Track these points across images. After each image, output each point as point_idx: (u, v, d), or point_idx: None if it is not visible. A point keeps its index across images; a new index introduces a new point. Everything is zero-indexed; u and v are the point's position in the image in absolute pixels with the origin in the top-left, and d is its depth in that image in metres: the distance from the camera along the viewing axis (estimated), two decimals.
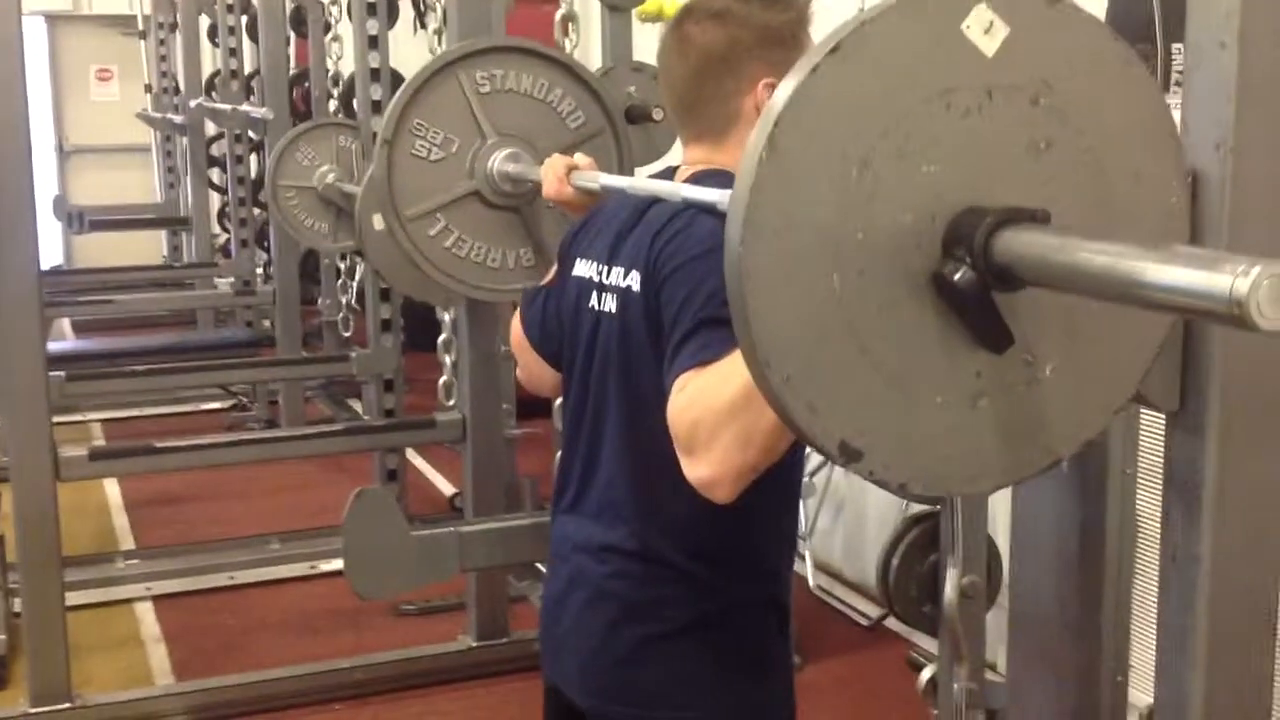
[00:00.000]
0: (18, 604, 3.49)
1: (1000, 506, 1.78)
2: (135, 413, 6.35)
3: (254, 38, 6.33)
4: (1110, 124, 1.09)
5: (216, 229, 8.04)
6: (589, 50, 3.72)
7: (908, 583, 1.89)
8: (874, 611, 4.00)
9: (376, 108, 4.25)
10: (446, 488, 5.33)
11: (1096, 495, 1.41)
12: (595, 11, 3.81)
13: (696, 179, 1.68)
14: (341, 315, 5.62)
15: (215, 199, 8.02)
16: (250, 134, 6.71)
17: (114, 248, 9.14)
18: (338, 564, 3.25)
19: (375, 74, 4.37)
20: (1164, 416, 1.25)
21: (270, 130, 5.56)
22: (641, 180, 1.84)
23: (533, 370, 1.97)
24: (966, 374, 1.07)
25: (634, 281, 1.68)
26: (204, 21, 7.57)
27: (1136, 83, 1.10)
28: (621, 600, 1.75)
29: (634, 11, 3.72)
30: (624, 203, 1.82)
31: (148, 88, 9.11)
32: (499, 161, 2.75)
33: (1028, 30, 1.04)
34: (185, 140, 7.84)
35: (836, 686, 3.65)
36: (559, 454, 1.91)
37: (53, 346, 4.99)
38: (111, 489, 5.33)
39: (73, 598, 3.61)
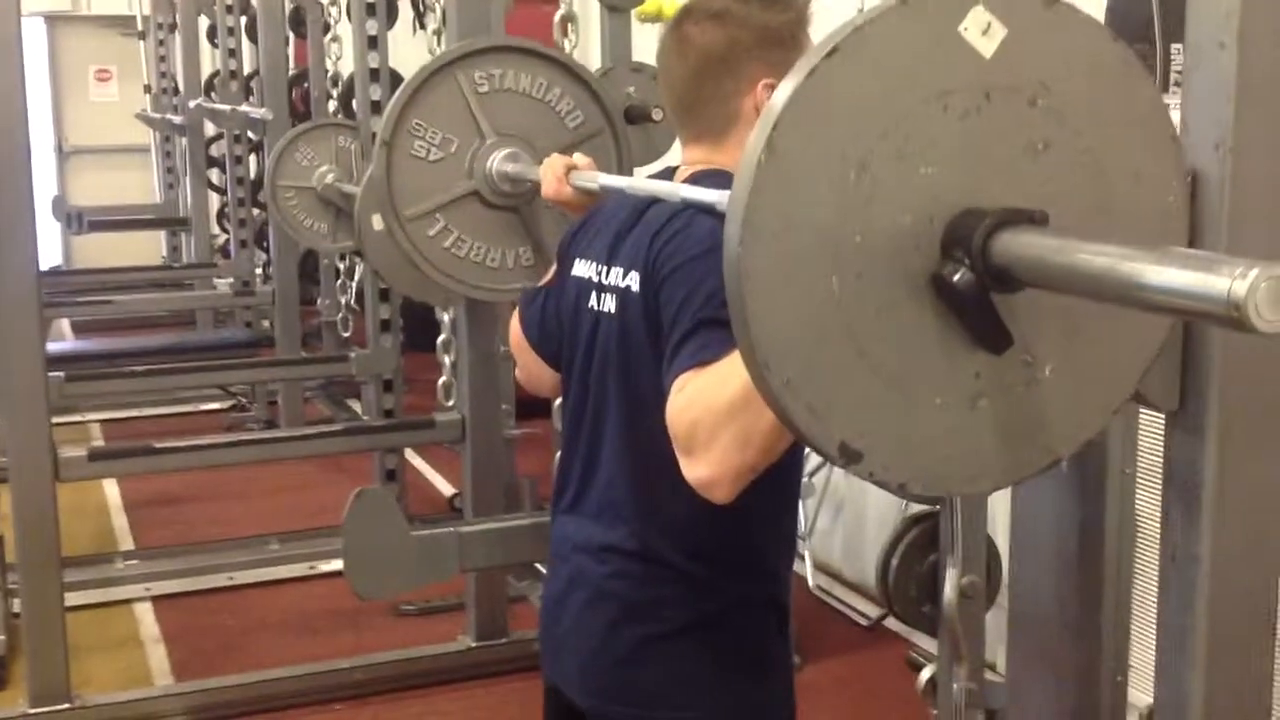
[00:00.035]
0: (17, 604, 3.49)
1: (1000, 506, 1.78)
2: (134, 413, 6.35)
3: (253, 38, 6.33)
4: (1108, 125, 1.09)
5: (216, 229, 8.04)
6: (588, 51, 3.72)
7: (907, 583, 1.89)
8: (873, 611, 4.00)
9: (376, 108, 4.24)
10: (446, 488, 5.33)
11: (1096, 495, 1.41)
12: (594, 12, 3.81)
13: (696, 179, 1.68)
14: (341, 315, 5.62)
15: (214, 199, 8.02)
16: (249, 134, 6.71)
17: (113, 248, 9.13)
18: (337, 564, 3.25)
19: (374, 74, 4.37)
20: (1163, 416, 1.25)
21: (269, 131, 5.56)
22: (640, 180, 1.84)
23: (532, 370, 1.97)
24: (966, 375, 1.07)
25: (633, 281, 1.68)
26: (203, 22, 7.56)
27: (1134, 83, 1.10)
28: (621, 600, 1.75)
29: (633, 12, 3.72)
30: (623, 203, 1.82)
31: (147, 88, 9.11)
32: (498, 161, 2.75)
33: (1025, 32, 1.05)
34: (184, 141, 7.84)
35: (836, 686, 3.65)
36: (558, 454, 1.91)
37: (52, 347, 4.99)
38: (111, 489, 5.32)
39: (72, 598, 3.61)
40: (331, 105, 5.18)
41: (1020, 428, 1.10)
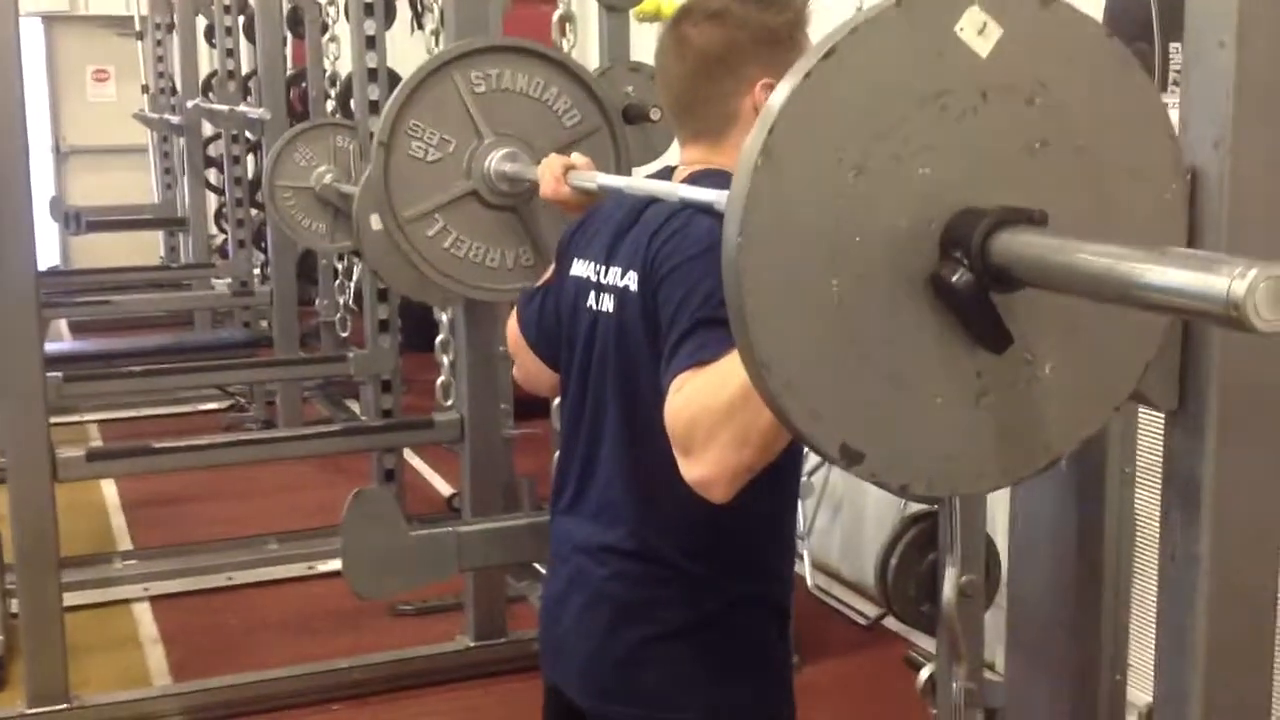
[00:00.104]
0: (15, 605, 3.49)
1: (999, 506, 1.78)
2: (133, 413, 6.35)
3: (251, 38, 6.33)
4: (1106, 123, 1.09)
5: (214, 229, 8.04)
6: (586, 50, 3.72)
7: (906, 582, 1.89)
8: (872, 611, 4.00)
9: (374, 108, 4.24)
10: (444, 488, 5.32)
11: (1095, 494, 1.41)
12: (593, 11, 3.81)
13: (694, 179, 1.68)
14: (339, 315, 5.62)
15: (212, 199, 8.02)
16: (247, 134, 6.70)
17: (111, 248, 9.13)
18: (336, 564, 3.25)
19: (373, 74, 4.37)
20: (1163, 416, 1.25)
21: (267, 131, 5.55)
22: (639, 180, 1.84)
23: (530, 370, 1.97)
24: (966, 374, 1.07)
25: (631, 281, 1.68)
26: (201, 22, 7.56)
27: (1132, 81, 1.10)
28: (620, 601, 1.75)
29: (631, 11, 3.72)
30: (621, 202, 1.82)
31: (145, 88, 9.10)
32: (496, 161, 2.75)
33: (1022, 31, 1.05)
34: (182, 141, 7.84)
35: (835, 686, 3.65)
36: (557, 454, 1.91)
37: (50, 347, 4.99)
38: (109, 489, 5.32)
39: (70, 598, 3.61)
40: (329, 105, 5.18)
41: (1021, 426, 1.10)
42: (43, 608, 3.33)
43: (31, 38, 9.76)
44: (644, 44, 3.17)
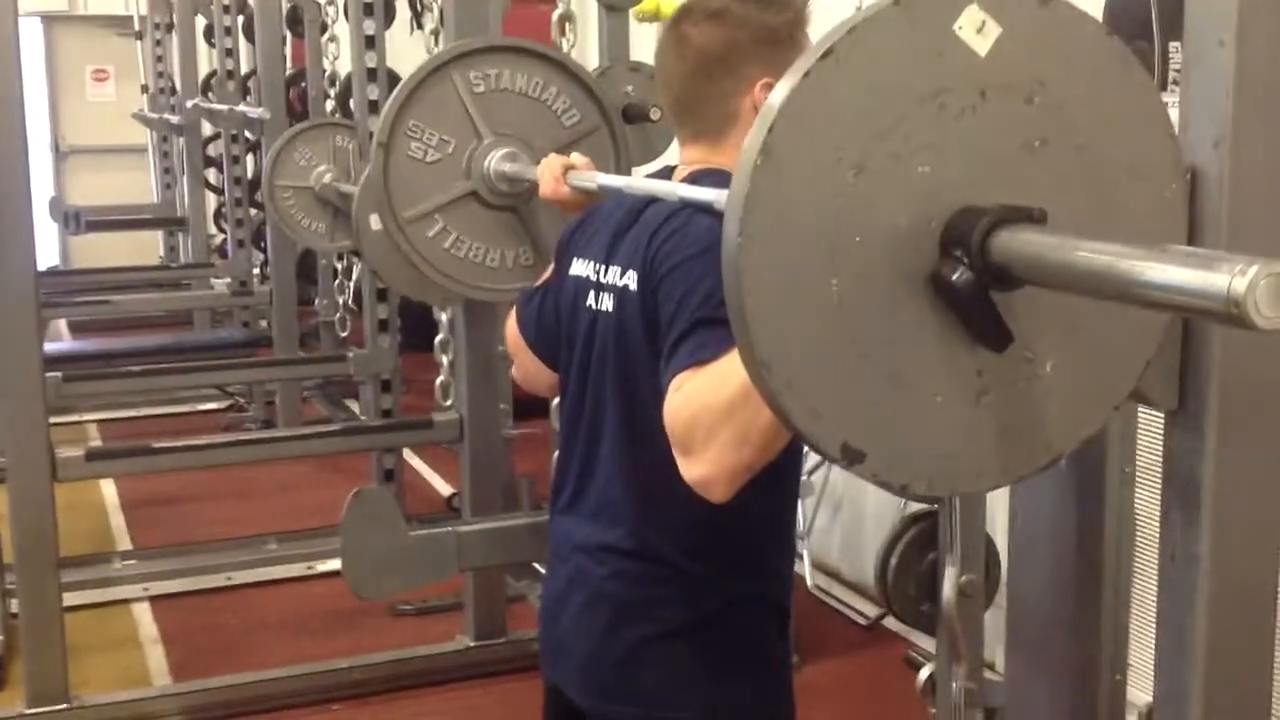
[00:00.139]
0: (15, 605, 3.48)
1: (998, 505, 1.78)
2: (132, 413, 6.35)
3: (250, 38, 6.33)
4: (1105, 121, 1.09)
5: (213, 229, 8.04)
6: (586, 50, 3.72)
7: (906, 582, 1.89)
8: (872, 611, 4.00)
9: (373, 108, 4.24)
10: (444, 488, 5.32)
11: (1095, 494, 1.41)
12: (592, 11, 3.81)
13: (694, 179, 1.68)
14: (338, 315, 5.62)
15: (212, 199, 8.01)
16: (247, 134, 6.70)
17: (110, 248, 9.13)
18: (335, 564, 3.25)
19: (372, 74, 4.37)
20: (1162, 415, 1.25)
21: (267, 130, 5.55)
22: (639, 180, 1.84)
23: (529, 370, 1.97)
24: (967, 373, 1.07)
25: (631, 280, 1.68)
26: (200, 22, 7.56)
27: (1131, 79, 1.10)
28: (620, 601, 1.75)
29: (631, 11, 3.72)
30: (621, 202, 1.82)
31: (144, 88, 9.10)
32: (495, 161, 2.75)
33: (1020, 29, 1.05)
34: (182, 140, 7.84)
35: (835, 686, 3.65)
36: (556, 454, 1.91)
37: (49, 347, 4.99)
38: (108, 489, 5.32)
39: (70, 598, 3.60)
40: (329, 105, 5.18)
41: (1021, 424, 1.10)
42: (42, 608, 3.33)
43: (31, 37, 9.76)
44: (644, 43, 3.17)
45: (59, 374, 4.36)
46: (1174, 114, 1.18)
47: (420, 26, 5.32)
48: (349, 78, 4.72)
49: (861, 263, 1.03)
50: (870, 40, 1.01)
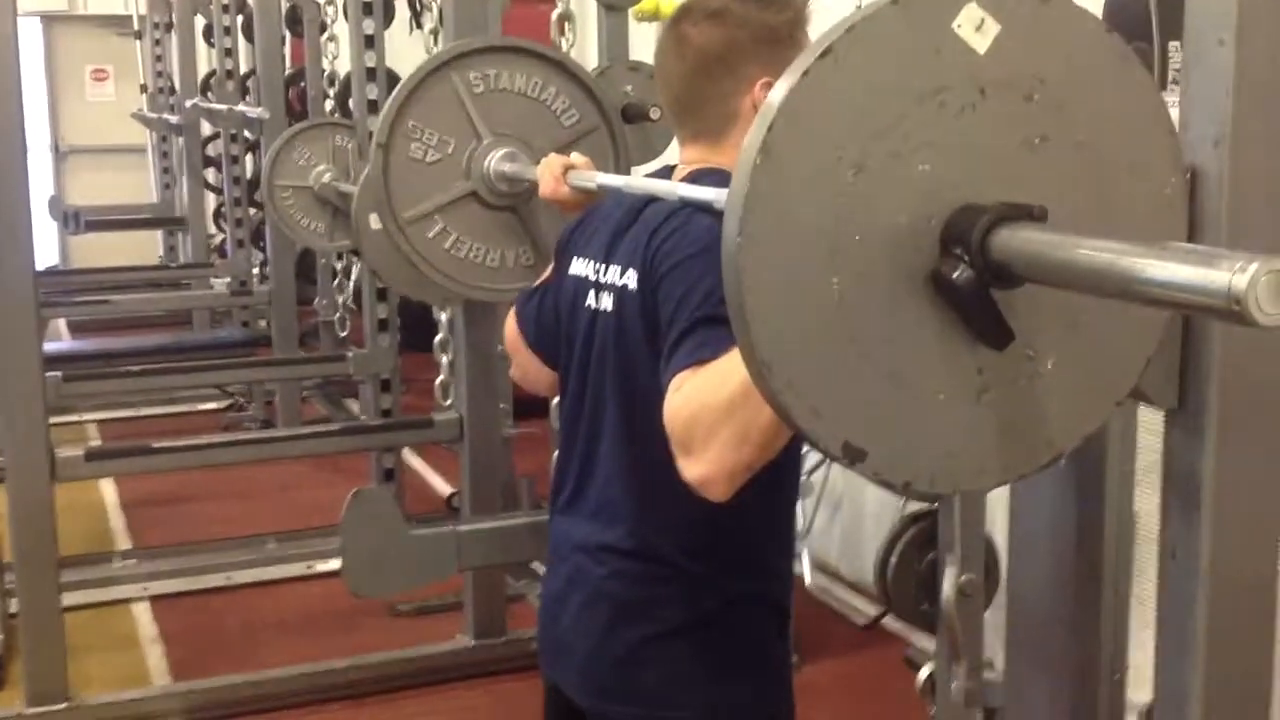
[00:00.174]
0: (14, 604, 3.48)
1: (998, 505, 1.78)
2: (131, 413, 6.35)
3: (249, 37, 6.32)
4: (1105, 117, 1.09)
5: (212, 229, 8.03)
6: (585, 49, 3.72)
7: (906, 581, 1.88)
8: (872, 610, 4.00)
9: (373, 107, 4.24)
10: (443, 488, 5.32)
11: (1094, 493, 1.41)
12: (592, 11, 3.80)
13: (694, 179, 1.68)
14: (338, 315, 5.61)
15: (211, 199, 8.01)
16: (246, 134, 6.70)
17: (110, 248, 9.12)
18: (334, 564, 3.25)
19: (371, 74, 4.37)
20: (1162, 414, 1.25)
21: (266, 130, 5.55)
22: (638, 179, 1.84)
23: (528, 369, 1.97)
24: (968, 370, 1.07)
25: (630, 280, 1.68)
26: (199, 21, 7.56)
27: (1130, 76, 1.11)
28: (619, 600, 1.75)
29: (630, 10, 3.72)
30: (620, 201, 1.82)
31: (143, 88, 9.09)
32: (495, 161, 2.75)
33: (1020, 27, 1.05)
34: (181, 140, 7.83)
35: (834, 685, 3.65)
36: (556, 453, 1.91)
37: (49, 347, 4.98)
38: (108, 489, 5.32)
39: (69, 598, 3.60)
40: (328, 105, 5.17)
41: (1023, 422, 1.10)
42: (42, 607, 3.33)
43: (30, 37, 9.76)
44: (643, 43, 3.17)
45: (58, 374, 4.36)
46: (1174, 113, 1.18)
47: (419, 26, 5.32)
48: (348, 77, 4.72)
49: (862, 261, 1.03)
50: (869, 39, 1.01)
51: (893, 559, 1.88)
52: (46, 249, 8.95)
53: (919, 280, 1.04)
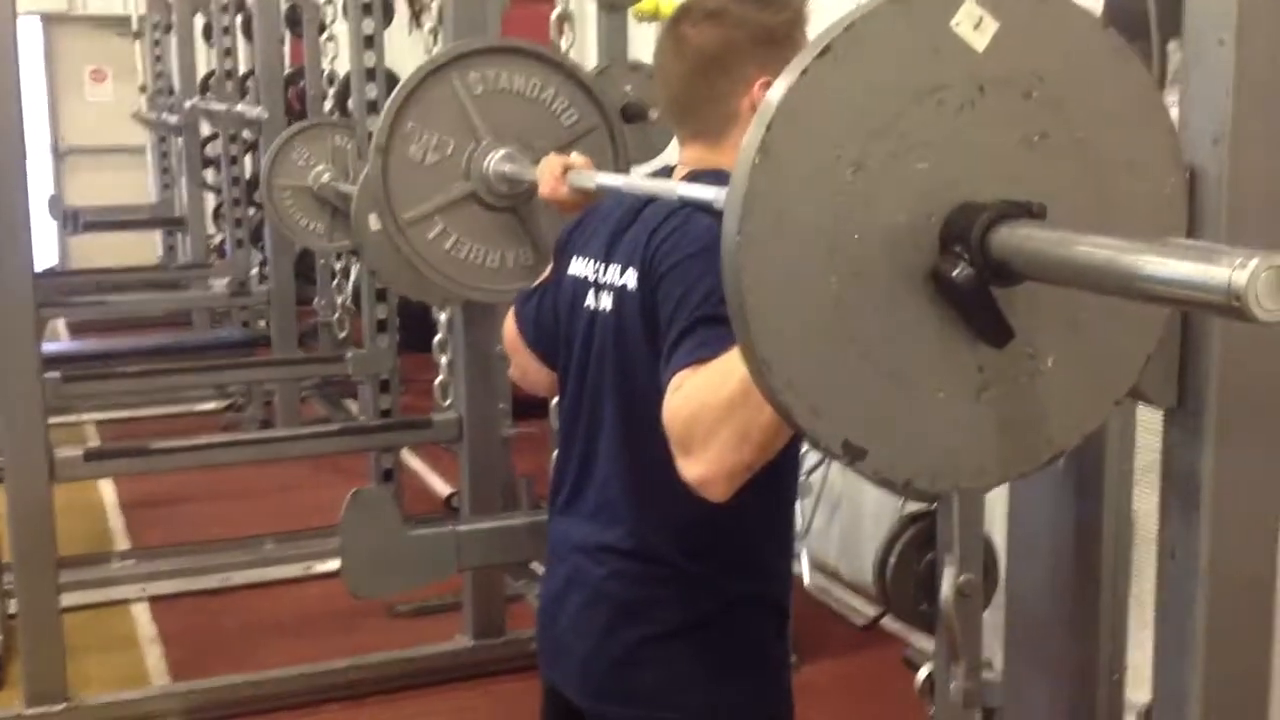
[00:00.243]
0: (13, 605, 3.48)
1: (997, 505, 1.78)
2: (130, 413, 6.34)
3: (249, 37, 6.32)
4: (1104, 115, 1.09)
5: (211, 229, 8.02)
6: (585, 49, 3.72)
7: (904, 581, 1.88)
8: (871, 610, 4.00)
9: (372, 107, 4.24)
10: (443, 488, 5.32)
11: (1093, 492, 1.41)
12: (591, 10, 3.80)
13: (693, 179, 1.68)
14: (337, 315, 5.60)
15: (210, 199, 8.00)
16: (245, 134, 6.69)
17: (109, 248, 9.12)
18: (333, 565, 3.25)
19: (371, 74, 4.36)
20: (1161, 413, 1.25)
21: (265, 130, 5.54)
22: (637, 179, 1.84)
23: (527, 369, 1.97)
24: (968, 369, 1.07)
25: (630, 279, 1.68)
26: (199, 21, 7.55)
27: (1128, 72, 1.11)
28: (618, 601, 1.75)
29: (630, 10, 3.72)
30: (620, 201, 1.82)
31: (143, 88, 9.09)
32: (495, 162, 2.75)
33: (1018, 24, 1.05)
34: (180, 140, 7.83)
35: (833, 686, 3.65)
36: (555, 453, 1.91)
37: (48, 347, 4.99)
38: (107, 490, 5.32)
39: (68, 599, 3.60)
40: (327, 104, 5.17)
41: (1023, 420, 1.10)
42: (41, 608, 3.33)
43: (29, 37, 9.76)
44: (643, 43, 3.17)
45: (57, 374, 4.36)
46: (1173, 113, 1.18)
47: (419, 26, 5.32)
48: (347, 77, 4.71)
49: (861, 260, 1.03)
50: (868, 37, 1.01)
51: (891, 559, 1.88)
52: (46, 249, 8.95)
53: (918, 279, 1.04)
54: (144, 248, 9.63)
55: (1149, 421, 1.37)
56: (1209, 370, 1.20)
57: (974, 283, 1.01)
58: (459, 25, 3.26)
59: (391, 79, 4.10)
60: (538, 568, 3.63)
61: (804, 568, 4.21)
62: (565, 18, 3.21)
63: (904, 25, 1.02)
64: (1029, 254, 0.98)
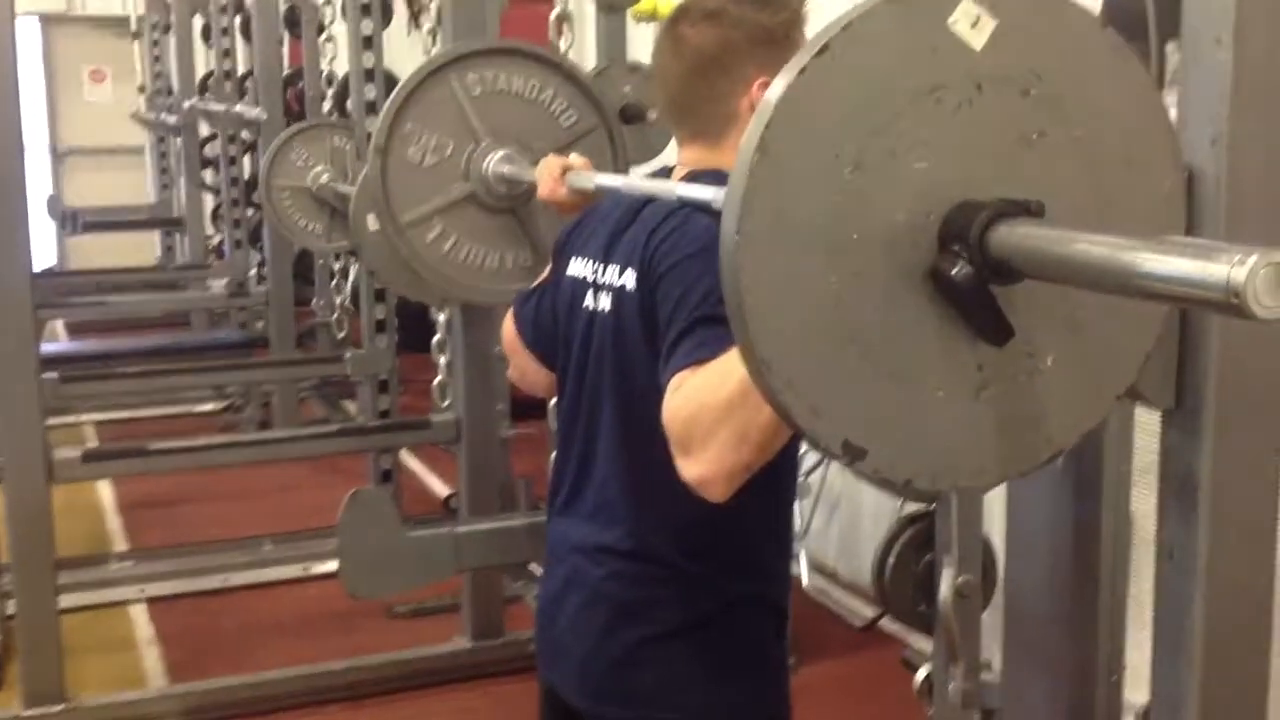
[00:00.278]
0: (11, 606, 3.48)
1: (996, 505, 1.78)
2: (129, 414, 6.34)
3: (248, 38, 6.32)
4: (1102, 112, 1.09)
5: (210, 230, 8.02)
6: (584, 50, 3.72)
7: (903, 582, 1.88)
8: (869, 611, 4.00)
9: (371, 108, 4.24)
10: (441, 489, 5.32)
11: (1091, 493, 1.41)
12: (590, 11, 3.80)
13: (692, 179, 1.68)
14: (335, 316, 5.60)
15: (209, 200, 8.00)
16: (244, 135, 6.69)
17: (107, 249, 9.12)
18: (331, 566, 3.25)
19: (369, 74, 4.36)
20: (1159, 414, 1.25)
21: (264, 131, 5.54)
22: (636, 179, 1.84)
23: (525, 370, 1.97)
24: (968, 367, 1.07)
25: (629, 280, 1.68)
26: (198, 22, 7.55)
27: (1126, 70, 1.11)
28: (617, 601, 1.75)
29: (629, 11, 3.72)
30: (618, 201, 1.82)
31: (141, 89, 9.08)
32: (494, 164, 2.75)
33: (1015, 22, 1.05)
34: (179, 141, 7.83)
35: (832, 687, 3.65)
36: (553, 454, 1.91)
37: (46, 348, 4.98)
38: (105, 491, 5.31)
39: (66, 600, 3.60)
40: (326, 105, 5.17)
41: (1023, 419, 1.10)
42: (39, 609, 3.33)
43: (28, 37, 9.75)
44: (642, 43, 3.17)
45: (56, 375, 4.36)
46: (1171, 114, 1.18)
47: (418, 27, 5.32)
48: (346, 78, 4.71)
49: (860, 259, 1.02)
50: (865, 36, 1.01)
51: (890, 560, 1.88)
52: (44, 250, 8.95)
53: (918, 277, 1.04)
54: (142, 248, 9.62)
55: (1147, 423, 1.37)
56: (1207, 372, 1.20)
57: (973, 281, 1.01)
58: (458, 26, 3.26)
59: (390, 80, 4.10)
60: (536, 569, 3.63)
61: (802, 569, 4.21)
62: (564, 18, 3.21)
63: (901, 24, 1.02)
64: (1028, 252, 0.98)
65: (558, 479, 1.86)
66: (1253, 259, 0.81)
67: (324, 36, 5.21)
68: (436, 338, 4.03)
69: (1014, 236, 0.99)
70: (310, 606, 4.21)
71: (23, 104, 3.27)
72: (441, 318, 3.99)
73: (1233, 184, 1.17)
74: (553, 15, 3.22)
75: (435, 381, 4.04)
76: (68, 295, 7.04)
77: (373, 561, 2.97)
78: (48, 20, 10.17)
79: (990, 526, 1.85)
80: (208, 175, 7.90)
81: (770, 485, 1.61)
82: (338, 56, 5.05)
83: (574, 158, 2.08)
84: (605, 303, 1.73)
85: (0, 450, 3.38)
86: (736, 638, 1.73)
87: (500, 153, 2.75)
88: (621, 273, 1.70)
